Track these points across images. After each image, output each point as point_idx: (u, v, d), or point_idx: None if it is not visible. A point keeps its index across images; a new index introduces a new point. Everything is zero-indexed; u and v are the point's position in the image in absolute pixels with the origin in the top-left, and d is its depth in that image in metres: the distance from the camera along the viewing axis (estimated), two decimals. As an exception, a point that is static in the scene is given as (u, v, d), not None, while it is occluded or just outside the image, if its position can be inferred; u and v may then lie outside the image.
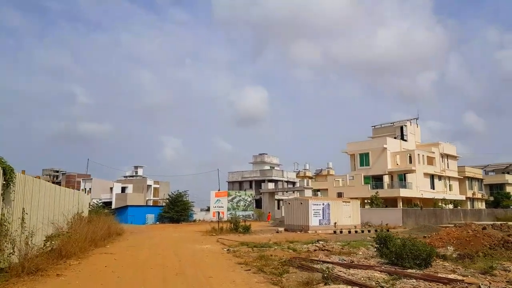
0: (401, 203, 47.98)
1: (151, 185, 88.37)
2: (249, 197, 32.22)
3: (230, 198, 31.62)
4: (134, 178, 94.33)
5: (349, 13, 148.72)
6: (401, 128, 55.95)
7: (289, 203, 32.75)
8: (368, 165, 53.20)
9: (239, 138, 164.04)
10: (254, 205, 63.78)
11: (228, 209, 31.68)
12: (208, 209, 65.75)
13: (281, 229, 31.57)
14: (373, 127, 59.39)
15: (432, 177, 53.66)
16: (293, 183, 67.53)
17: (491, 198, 63.24)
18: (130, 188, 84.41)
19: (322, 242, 19.82)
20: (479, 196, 62.15)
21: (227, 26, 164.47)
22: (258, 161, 68.56)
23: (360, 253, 16.20)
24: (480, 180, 64.42)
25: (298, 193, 59.78)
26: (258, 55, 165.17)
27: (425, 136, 59.62)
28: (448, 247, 13.79)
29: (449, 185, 56.47)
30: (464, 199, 57.26)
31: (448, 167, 56.66)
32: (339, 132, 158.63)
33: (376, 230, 31.64)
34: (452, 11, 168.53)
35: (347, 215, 33.29)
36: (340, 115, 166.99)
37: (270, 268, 12.30)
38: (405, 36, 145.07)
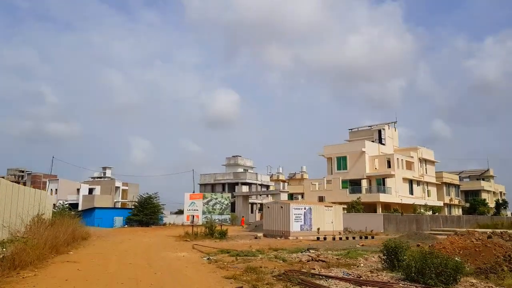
0: (380, 208, 47.05)
1: (119, 187, 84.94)
2: (226, 200, 30.27)
3: (205, 200, 29.61)
4: (102, 179, 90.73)
5: (321, 18, 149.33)
6: (379, 131, 55.25)
7: (268, 207, 31.03)
8: (346, 169, 52.15)
9: (210, 140, 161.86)
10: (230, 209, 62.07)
11: (203, 213, 29.63)
12: (179, 212, 63.36)
13: (260, 234, 29.78)
14: (350, 130, 58.50)
15: (411, 182, 53.11)
16: (267, 187, 65.97)
17: (467, 205, 63.42)
18: (97, 190, 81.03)
19: (313, 251, 18.10)
20: (456, 202, 62.23)
21: (199, 29, 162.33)
22: (232, 163, 66.67)
23: (361, 264, 14.55)
24: (457, 186, 64.59)
25: (272, 197, 58.22)
26: (229, 59, 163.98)
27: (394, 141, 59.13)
28: (456, 259, 12.32)
29: (427, 190, 56.09)
30: (442, 205, 57.03)
31: (426, 172, 56.31)
32: (311, 137, 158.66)
33: (361, 237, 30.28)
34: (421, 19, 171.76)
35: (329, 220, 31.82)
36: (311, 120, 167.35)
37: (265, 284, 10.47)
38: (376, 43, 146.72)
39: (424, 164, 56.40)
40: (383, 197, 46.97)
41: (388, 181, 49.58)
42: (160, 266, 14.34)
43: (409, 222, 42.57)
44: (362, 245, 23.57)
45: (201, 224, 30.58)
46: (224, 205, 30.65)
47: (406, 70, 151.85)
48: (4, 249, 11.28)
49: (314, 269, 13.32)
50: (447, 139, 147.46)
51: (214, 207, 30.57)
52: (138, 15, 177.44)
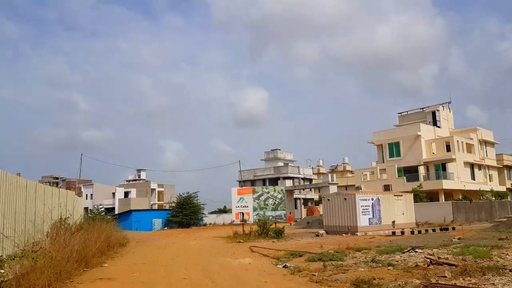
0: (442, 196, 41.74)
1: (155, 189, 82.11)
2: (280, 193, 26.00)
3: (256, 195, 25.46)
4: (137, 182, 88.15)
5: (347, 8, 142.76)
6: (433, 113, 49.67)
7: (329, 200, 26.50)
8: (399, 156, 46.95)
9: (241, 139, 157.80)
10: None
11: (254, 209, 25.43)
12: (219, 212, 59.65)
13: (321, 231, 25.31)
14: (399, 114, 53.10)
15: (472, 166, 47.37)
16: (310, 180, 61.31)
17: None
18: (133, 193, 78.51)
19: (420, 250, 13.52)
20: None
21: (224, 29, 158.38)
22: (271, 157, 62.30)
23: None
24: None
25: (319, 191, 53.57)
26: (256, 56, 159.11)
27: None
28: None
29: (489, 175, 50.18)
30: (505, 190, 50.97)
31: (487, 155, 50.39)
32: (344, 129, 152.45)
33: (441, 229, 25.35)
34: (451, 2, 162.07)
35: (400, 211, 27.05)
36: (342, 112, 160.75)
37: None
38: (405, 29, 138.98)
39: (484, 146, 50.49)
40: (446, 184, 41.61)
41: (449, 166, 44.12)
42: (226, 280, 10.16)
43: (478, 210, 37.26)
44: (459, 239, 18.77)
45: (252, 222, 26.40)
46: (277, 200, 26.33)
47: (438, 55, 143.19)
48: (2, 270, 7.29)
49: (448, 277, 8.82)
50: (483, 125, 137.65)
51: (266, 202, 26.32)
52: (162, 19, 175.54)
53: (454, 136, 45.74)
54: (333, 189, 45.67)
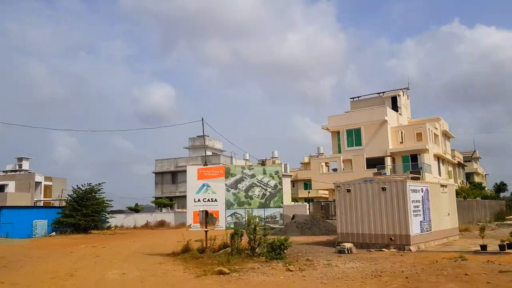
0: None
1: (40, 182, 63.82)
2: (273, 177, 14.19)
3: (231, 180, 13.58)
4: (17, 173, 68.66)
5: (260, 14, 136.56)
6: (393, 98, 41.77)
7: (349, 190, 15.47)
8: (360, 145, 38.05)
9: (142, 137, 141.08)
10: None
11: (229, 205, 13.47)
12: (131, 210, 45.61)
13: (348, 245, 14.13)
14: (352, 100, 44.39)
15: (438, 160, 40.28)
16: (242, 174, 50.11)
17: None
18: (11, 186, 59.95)
19: None
20: (466, 186, 50.78)
21: (132, 20, 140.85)
22: (197, 145, 49.68)
23: None
24: (463, 168, 53.42)
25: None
26: (165, 52, 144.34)
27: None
28: None
29: (449, 171, 43.83)
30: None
31: (446, 149, 43.96)
32: (247, 132, 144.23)
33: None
34: (352, 19, 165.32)
35: (446, 211, 17.09)
36: (247, 115, 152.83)
37: None
38: (311, 41, 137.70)
39: (444, 139, 44.02)
40: (427, 178, 33.45)
41: (420, 159, 36.19)
42: None
43: (470, 210, 29.62)
44: None
45: (224, 228, 14.35)
46: (269, 188, 14.54)
47: (338, 68, 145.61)
48: None
49: None
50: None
51: (251, 193, 14.45)
52: (58, 2, 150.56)
53: (427, 123, 38.01)
54: (287, 182, 34.98)
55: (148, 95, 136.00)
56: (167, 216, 41.45)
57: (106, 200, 35.14)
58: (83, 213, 32.23)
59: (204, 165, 14.64)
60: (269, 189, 14.66)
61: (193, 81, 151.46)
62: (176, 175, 47.39)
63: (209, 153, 48.85)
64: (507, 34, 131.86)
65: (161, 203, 45.06)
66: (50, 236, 31.01)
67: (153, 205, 48.44)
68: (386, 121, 36.93)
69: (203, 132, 19.02)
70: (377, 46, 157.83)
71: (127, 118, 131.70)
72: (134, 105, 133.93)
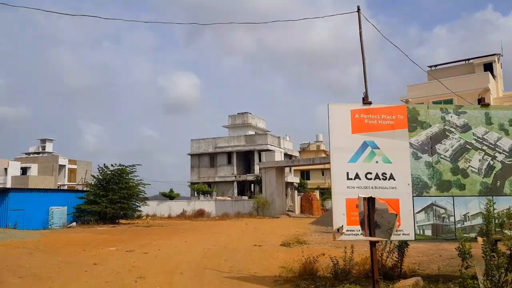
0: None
1: (65, 166, 57.54)
2: (509, 129, 6.06)
3: (422, 135, 5.26)
4: (41, 156, 62.54)
5: (286, 2, 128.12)
6: (487, 66, 33.14)
7: None
8: (451, 122, 29.72)
9: (168, 126, 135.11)
10: (255, 187, 37.66)
11: (423, 187, 5.34)
12: (165, 196, 38.65)
13: None
14: (431, 68, 35.90)
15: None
16: (290, 157, 42.31)
17: None
18: (34, 169, 54.16)
19: None
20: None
21: (157, 9, 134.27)
22: (238, 123, 42.01)
23: None
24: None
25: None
26: (191, 41, 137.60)
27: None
28: None
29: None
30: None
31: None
32: (276, 124, 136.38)
33: None
34: (381, 6, 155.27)
35: None
36: (272, 105, 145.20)
37: None
38: (339, 29, 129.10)
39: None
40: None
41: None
42: None
43: None
44: None
45: (413, 237, 6.52)
46: (503, 154, 6.82)
47: (366, 56, 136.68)
48: None
49: None
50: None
51: (464, 164, 6.59)
52: None
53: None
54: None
55: (173, 85, 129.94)
56: (207, 204, 34.20)
57: (141, 184, 27.98)
58: (110, 199, 25.23)
59: (364, 103, 6.83)
60: (501, 156, 6.82)
61: (217, 70, 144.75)
62: (215, 158, 40.00)
63: (251, 132, 41.22)
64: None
65: (199, 189, 37.84)
66: (69, 227, 24.02)
67: (188, 192, 41.43)
68: (489, 90, 28.52)
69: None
70: (407, 34, 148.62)
71: (152, 108, 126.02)
72: (159, 95, 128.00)
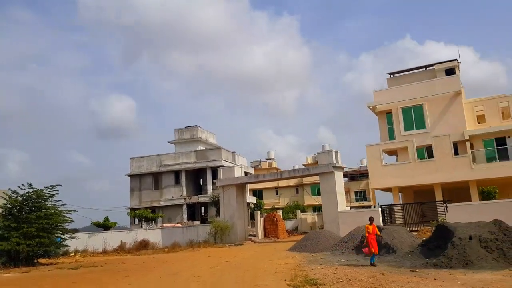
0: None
1: (-25, 195, 48.12)
2: None
3: None
4: None
5: (224, 27, 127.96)
6: (448, 72, 31.03)
7: None
8: (423, 127, 27.10)
9: (103, 151, 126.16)
10: (209, 210, 31.91)
11: None
12: (98, 226, 31.90)
13: None
14: (391, 75, 33.41)
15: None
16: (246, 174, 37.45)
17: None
18: None
19: None
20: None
21: (90, 31, 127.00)
22: (187, 138, 36.57)
23: None
24: None
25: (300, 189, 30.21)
26: (127, 63, 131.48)
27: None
28: None
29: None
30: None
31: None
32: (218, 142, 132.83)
33: None
34: (315, 33, 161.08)
35: None
36: (209, 127, 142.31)
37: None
38: (275, 54, 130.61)
39: None
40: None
41: (510, 143, 25.63)
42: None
43: None
44: None
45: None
46: None
47: (301, 82, 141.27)
48: None
49: None
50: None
51: None
52: (9, 11, 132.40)
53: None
54: (339, 176, 23.05)
55: (107, 108, 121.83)
56: (151, 234, 28.30)
57: (64, 212, 21.61)
58: (24, 233, 18.81)
59: None
60: None
61: (154, 94, 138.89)
62: (159, 178, 34.22)
63: (202, 147, 36.00)
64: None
65: (141, 216, 31.71)
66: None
67: (127, 220, 34.97)
68: (461, 93, 26.25)
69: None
70: (336, 60, 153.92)
71: (84, 132, 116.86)
72: (91, 118, 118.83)
